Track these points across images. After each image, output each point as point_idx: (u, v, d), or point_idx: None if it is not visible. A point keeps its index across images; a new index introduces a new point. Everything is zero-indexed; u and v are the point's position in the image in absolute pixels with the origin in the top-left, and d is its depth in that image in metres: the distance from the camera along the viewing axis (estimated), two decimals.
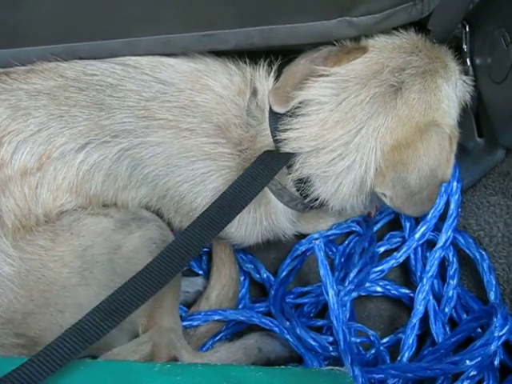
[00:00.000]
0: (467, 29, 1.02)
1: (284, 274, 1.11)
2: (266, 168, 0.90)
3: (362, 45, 0.96)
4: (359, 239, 1.12)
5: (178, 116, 0.96)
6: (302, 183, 0.96)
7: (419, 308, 1.00)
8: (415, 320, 0.99)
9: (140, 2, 0.90)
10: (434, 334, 1.00)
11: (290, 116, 0.93)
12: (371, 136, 0.91)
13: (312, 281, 1.17)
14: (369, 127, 0.91)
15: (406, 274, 1.14)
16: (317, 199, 0.97)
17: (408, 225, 1.10)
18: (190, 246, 0.83)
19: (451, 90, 0.97)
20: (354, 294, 1.01)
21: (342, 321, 0.95)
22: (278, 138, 0.93)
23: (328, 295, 0.97)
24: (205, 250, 1.20)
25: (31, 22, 0.92)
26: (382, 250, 1.12)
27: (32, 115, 0.94)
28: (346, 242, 1.17)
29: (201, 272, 1.19)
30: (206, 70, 0.98)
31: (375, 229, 1.14)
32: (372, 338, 1.00)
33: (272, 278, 1.14)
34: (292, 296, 1.12)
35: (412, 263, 1.09)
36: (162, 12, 0.91)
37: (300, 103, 0.93)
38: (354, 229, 1.15)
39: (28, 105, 0.94)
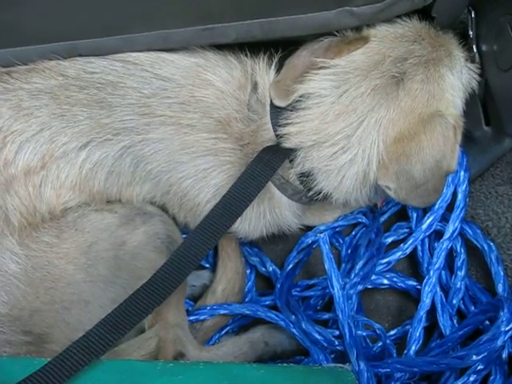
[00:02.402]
0: (473, 15, 1.00)
1: (290, 266, 1.10)
2: (266, 166, 0.89)
3: (363, 35, 0.94)
4: (366, 230, 1.11)
5: (179, 112, 0.96)
6: (305, 177, 0.95)
7: (426, 300, 0.99)
8: (422, 313, 0.98)
9: (141, 3, 0.90)
10: (442, 327, 0.99)
11: (291, 110, 0.92)
12: (373, 128, 0.90)
13: (319, 273, 1.16)
14: (370, 119, 0.90)
15: (414, 265, 1.13)
16: (320, 192, 0.96)
17: (415, 215, 1.09)
18: (195, 252, 0.84)
19: (456, 79, 0.95)
20: (360, 287, 1.01)
21: (347, 314, 0.95)
22: (279, 132, 0.93)
23: (333, 289, 0.96)
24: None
25: (31, 21, 0.92)
26: (388, 241, 1.10)
27: (34, 115, 0.94)
28: (353, 233, 1.16)
29: (207, 265, 1.19)
30: (206, 64, 0.97)
31: (382, 220, 1.13)
32: (378, 331, 0.99)
33: (278, 270, 1.14)
34: (298, 289, 1.12)
35: (419, 254, 1.07)
36: (162, 7, 0.90)
37: (301, 96, 0.92)
38: (360, 220, 1.14)
39: (30, 105, 0.95)
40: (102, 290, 0.96)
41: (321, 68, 0.91)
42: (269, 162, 0.89)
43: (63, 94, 0.95)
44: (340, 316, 0.95)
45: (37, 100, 0.95)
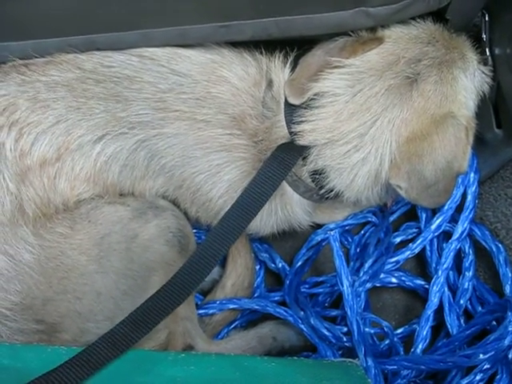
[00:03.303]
0: (487, 18, 1.01)
1: (299, 263, 1.11)
2: (281, 164, 0.91)
3: (378, 35, 0.95)
4: (375, 229, 1.12)
5: (194, 107, 0.97)
6: (317, 174, 0.96)
7: (434, 300, 1.00)
8: (429, 312, 0.99)
9: None
10: (449, 326, 1.00)
11: (305, 108, 0.93)
12: (386, 128, 0.91)
13: (327, 270, 1.17)
14: (384, 119, 0.91)
15: (422, 265, 1.14)
16: (332, 190, 0.97)
17: (424, 216, 1.09)
18: (213, 252, 0.86)
19: (469, 81, 0.96)
20: (369, 285, 1.02)
21: (355, 311, 0.96)
22: (293, 130, 0.94)
23: (343, 286, 0.97)
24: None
25: (49, 14, 0.93)
26: (397, 240, 1.11)
27: (51, 107, 0.95)
28: (362, 232, 1.17)
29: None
30: (222, 61, 0.98)
31: (391, 219, 1.14)
32: (386, 329, 1.00)
33: (287, 267, 1.15)
34: (307, 286, 1.13)
35: (428, 254, 1.08)
36: (179, 3, 0.91)
37: (315, 95, 0.93)
38: (369, 219, 1.15)
39: (47, 97, 0.96)
40: (113, 281, 0.98)
41: (335, 67, 0.92)
42: (283, 161, 0.90)
43: (80, 87, 0.96)
44: (349, 313, 0.96)
45: (54, 92, 0.96)
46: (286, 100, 0.96)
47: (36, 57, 0.98)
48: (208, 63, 0.98)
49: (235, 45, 1.02)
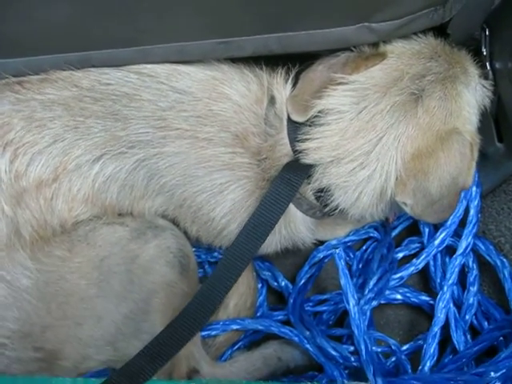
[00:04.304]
0: (487, 32, 1.01)
1: (302, 281, 1.09)
2: (288, 185, 0.89)
3: (380, 51, 0.95)
4: (378, 245, 1.11)
5: (196, 125, 0.95)
6: (322, 192, 0.95)
7: (440, 316, 0.99)
8: (436, 328, 0.98)
9: (155, 10, 0.88)
10: (456, 343, 0.99)
11: (310, 125, 0.92)
12: (392, 145, 0.90)
13: (329, 287, 1.16)
14: (389, 136, 0.90)
15: (425, 280, 1.13)
16: (336, 208, 0.96)
17: (427, 230, 1.08)
18: (224, 280, 0.85)
19: (472, 96, 0.96)
20: (375, 303, 1.00)
21: (363, 330, 0.95)
22: (298, 148, 0.92)
23: (349, 304, 0.96)
24: (221, 255, 1.18)
25: (45, 30, 0.90)
26: (400, 255, 1.10)
27: (47, 126, 0.93)
28: (364, 248, 1.16)
29: None
30: (222, 77, 0.96)
31: (393, 234, 1.13)
32: (393, 347, 0.99)
33: (290, 285, 1.13)
34: (311, 304, 1.11)
35: (431, 270, 1.07)
36: (178, 20, 0.89)
37: (319, 112, 0.92)
38: (371, 234, 1.14)
39: (43, 116, 0.93)
40: (114, 305, 0.95)
41: (339, 84, 0.91)
42: (290, 181, 0.89)
43: (77, 105, 0.94)
44: (356, 332, 0.95)
45: (50, 111, 0.93)
46: (288, 117, 0.95)
47: (30, 74, 0.95)
48: (208, 80, 0.96)
49: (234, 60, 1.01)
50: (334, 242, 1.13)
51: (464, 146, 0.90)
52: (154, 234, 1.02)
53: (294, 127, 0.94)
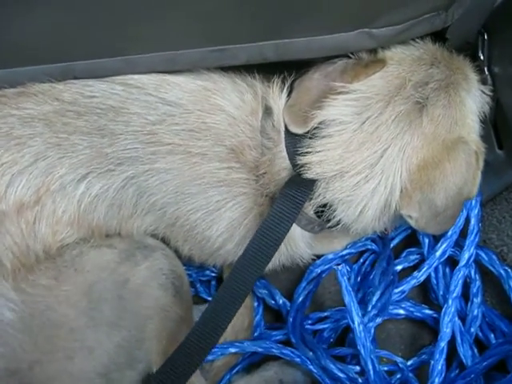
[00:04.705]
0: (485, 36, 0.99)
1: (301, 298, 1.04)
2: (292, 204, 0.83)
3: (379, 57, 0.90)
4: (378, 259, 1.06)
5: (188, 140, 0.89)
6: (323, 208, 0.90)
7: (446, 331, 0.95)
8: (443, 344, 0.94)
9: (144, 18, 0.82)
10: (463, 357, 0.96)
11: (311, 137, 0.87)
12: (397, 156, 0.85)
13: (327, 302, 1.12)
14: (394, 147, 0.85)
15: (424, 291, 1.09)
16: (338, 223, 0.92)
17: (427, 241, 1.05)
18: (227, 306, 0.79)
19: (473, 103, 0.92)
20: (379, 320, 0.96)
21: (369, 350, 0.91)
22: (299, 162, 0.87)
23: (354, 323, 0.92)
24: (213, 273, 1.14)
25: (22, 41, 0.82)
26: (399, 268, 1.07)
27: (27, 144, 0.85)
28: (361, 261, 1.11)
29: (210, 298, 1.11)
30: (214, 88, 0.90)
31: (391, 246, 1.09)
32: (401, 365, 0.95)
33: (288, 303, 1.08)
34: (310, 321, 1.06)
35: (433, 282, 1.04)
36: (169, 27, 0.83)
37: (320, 123, 0.87)
38: (369, 247, 1.10)
39: (22, 133, 0.85)
40: (106, 334, 0.88)
41: (340, 93, 0.87)
42: (294, 198, 0.83)
43: (59, 120, 0.87)
44: (362, 352, 0.91)
45: (30, 128, 0.86)
46: (286, 129, 0.90)
47: (5, 87, 0.88)
48: (200, 90, 0.90)
49: (224, 69, 0.96)
50: (330, 256, 1.08)
51: (470, 156, 0.87)
52: (143, 255, 0.96)
53: (293, 139, 0.89)
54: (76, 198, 0.89)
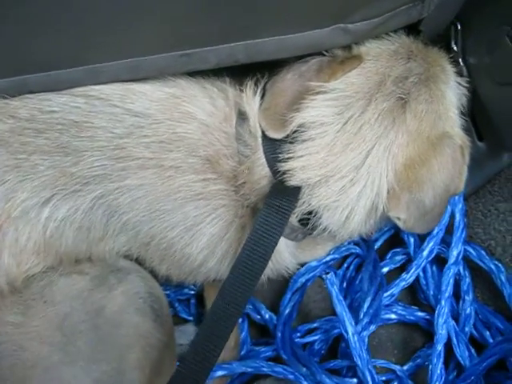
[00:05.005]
0: (458, 27, 0.96)
1: (287, 311, 0.99)
2: (278, 214, 0.77)
3: (354, 53, 0.86)
4: (363, 262, 1.02)
5: (159, 152, 0.82)
6: (308, 215, 0.86)
7: (442, 333, 0.91)
8: (440, 347, 0.90)
9: (105, 23, 0.75)
10: (460, 358, 0.92)
11: (291, 142, 0.81)
12: (382, 156, 0.81)
13: (313, 311, 1.06)
14: (379, 147, 0.80)
15: (413, 292, 1.05)
16: (324, 230, 0.87)
17: (412, 240, 1.01)
18: (219, 332, 0.72)
19: (453, 96, 0.90)
20: (373, 327, 0.92)
21: (366, 360, 0.87)
22: (280, 169, 0.81)
23: (348, 334, 0.87)
24: (192, 291, 1.07)
25: None
26: (385, 270, 1.02)
27: None
28: (345, 265, 1.07)
29: (190, 318, 1.05)
30: (183, 95, 0.84)
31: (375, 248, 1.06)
32: (399, 373, 0.91)
33: (274, 317, 1.02)
34: (298, 334, 1.01)
35: (422, 282, 1.01)
36: (133, 32, 0.77)
37: (299, 126, 0.81)
38: (353, 251, 1.05)
39: None
40: (83, 370, 0.81)
41: (318, 93, 0.82)
42: (280, 209, 0.77)
43: (17, 140, 0.79)
44: (359, 363, 0.86)
45: None
46: (263, 134, 0.84)
47: None
48: (168, 98, 0.84)
49: (192, 74, 0.90)
50: (314, 264, 1.03)
51: (455, 151, 0.83)
52: (117, 278, 0.89)
53: (272, 145, 0.83)
54: (41, 223, 0.82)
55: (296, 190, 0.81)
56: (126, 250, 0.91)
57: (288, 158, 0.81)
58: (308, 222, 0.86)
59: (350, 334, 0.87)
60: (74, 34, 0.75)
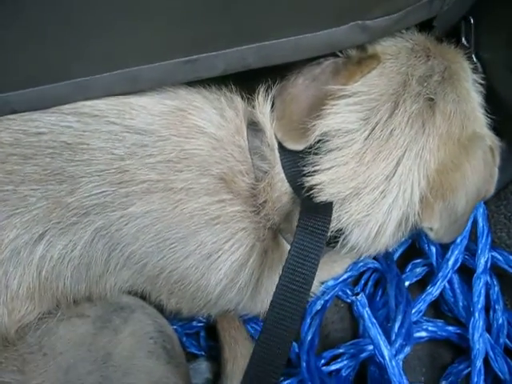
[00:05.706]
0: (471, 22, 0.90)
1: (309, 337, 0.90)
2: (314, 236, 0.67)
3: (370, 53, 0.79)
4: (382, 277, 0.95)
5: (167, 173, 0.72)
6: (336, 232, 0.78)
7: (479, 347, 0.84)
8: (479, 363, 0.84)
9: (99, 30, 0.65)
10: (499, 373, 0.85)
11: (315, 153, 0.73)
12: (413, 163, 0.74)
13: (332, 334, 0.97)
14: (410, 153, 0.73)
15: (435, 305, 0.97)
16: (352, 248, 0.80)
17: (434, 250, 0.94)
18: (268, 371, 0.62)
19: (476, 94, 0.84)
20: (407, 350, 0.84)
21: None
22: (306, 184, 0.73)
23: (384, 359, 0.79)
24: (200, 323, 0.96)
25: None
26: (406, 284, 0.95)
27: None
28: (362, 282, 0.99)
29: (201, 352, 0.95)
30: (187, 107, 0.75)
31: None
32: None
33: (295, 344, 0.92)
34: (323, 361, 0.91)
35: (448, 294, 0.93)
36: (132, 39, 0.67)
37: (322, 135, 0.73)
38: (370, 265, 0.97)
39: None
40: None
41: (339, 97, 0.74)
42: (316, 230, 0.68)
43: (1, 169, 0.68)
44: None
45: None
46: (280, 146, 0.77)
47: None
48: (172, 112, 0.74)
49: (191, 84, 0.80)
50: (331, 283, 0.94)
51: (486, 152, 0.77)
52: (122, 318, 0.78)
53: (292, 157, 0.75)
54: (34, 264, 0.71)
55: (328, 207, 0.72)
56: (129, 286, 0.81)
57: (314, 172, 0.73)
58: (335, 240, 0.80)
59: (387, 358, 0.79)
60: (59, 43, 0.65)
